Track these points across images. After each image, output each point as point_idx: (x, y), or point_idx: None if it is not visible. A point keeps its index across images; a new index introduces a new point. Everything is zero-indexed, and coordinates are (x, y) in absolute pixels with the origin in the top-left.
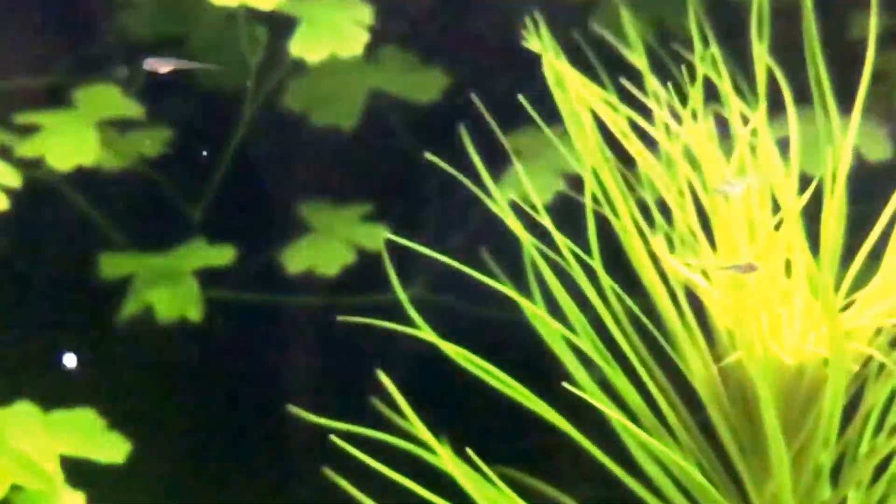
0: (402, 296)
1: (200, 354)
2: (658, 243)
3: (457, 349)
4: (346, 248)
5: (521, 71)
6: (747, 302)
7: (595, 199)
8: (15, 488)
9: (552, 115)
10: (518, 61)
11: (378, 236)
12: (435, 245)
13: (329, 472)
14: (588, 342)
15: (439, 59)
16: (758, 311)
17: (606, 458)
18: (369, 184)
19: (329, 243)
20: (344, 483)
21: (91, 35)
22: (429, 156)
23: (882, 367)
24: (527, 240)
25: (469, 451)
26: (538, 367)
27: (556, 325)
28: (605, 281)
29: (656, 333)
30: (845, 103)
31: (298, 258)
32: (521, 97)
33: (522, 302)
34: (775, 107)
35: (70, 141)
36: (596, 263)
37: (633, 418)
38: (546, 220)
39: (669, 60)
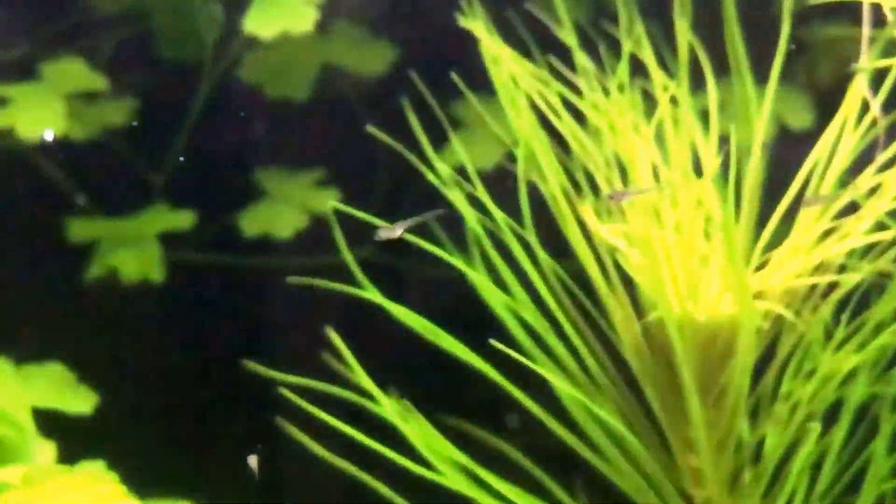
0: (349, 258)
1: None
2: (586, 210)
3: (401, 309)
4: (300, 212)
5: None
6: (663, 264)
7: (531, 170)
8: None
9: None
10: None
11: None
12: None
13: (281, 422)
14: (525, 305)
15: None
16: (674, 273)
17: (540, 409)
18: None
19: (283, 208)
20: (296, 432)
21: (57, 10)
22: (370, 128)
23: (798, 315)
24: (466, 210)
25: (405, 400)
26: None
27: (494, 290)
28: (539, 249)
29: (580, 294)
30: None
31: (254, 222)
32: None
33: (463, 268)
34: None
35: (38, 112)
36: (529, 234)
37: (567, 373)
38: (480, 190)
39: (601, 38)
